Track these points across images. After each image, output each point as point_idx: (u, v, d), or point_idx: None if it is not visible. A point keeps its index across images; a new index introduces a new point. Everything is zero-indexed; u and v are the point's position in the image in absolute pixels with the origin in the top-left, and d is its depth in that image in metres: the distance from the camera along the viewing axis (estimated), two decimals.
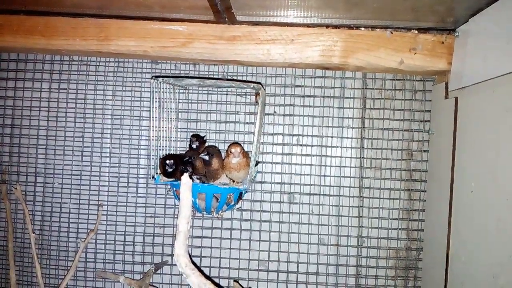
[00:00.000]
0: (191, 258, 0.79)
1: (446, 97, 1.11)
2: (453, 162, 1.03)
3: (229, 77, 1.27)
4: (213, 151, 1.09)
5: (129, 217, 1.31)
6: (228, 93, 1.28)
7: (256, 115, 1.09)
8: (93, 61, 1.30)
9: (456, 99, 1.03)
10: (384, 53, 1.10)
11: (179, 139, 1.28)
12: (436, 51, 1.10)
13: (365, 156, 1.28)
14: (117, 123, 1.31)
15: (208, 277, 0.78)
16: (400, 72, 1.18)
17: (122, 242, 1.31)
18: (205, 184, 1.04)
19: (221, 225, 1.29)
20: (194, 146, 1.14)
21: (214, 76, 1.27)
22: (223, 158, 1.09)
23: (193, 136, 1.18)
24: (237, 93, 1.28)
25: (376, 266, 1.27)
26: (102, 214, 1.29)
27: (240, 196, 1.15)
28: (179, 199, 1.10)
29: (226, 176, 1.09)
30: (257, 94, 1.27)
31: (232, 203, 1.12)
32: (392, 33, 1.10)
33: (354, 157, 1.28)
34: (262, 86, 1.09)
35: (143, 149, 1.30)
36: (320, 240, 1.28)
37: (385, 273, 1.27)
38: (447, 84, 1.11)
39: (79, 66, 1.31)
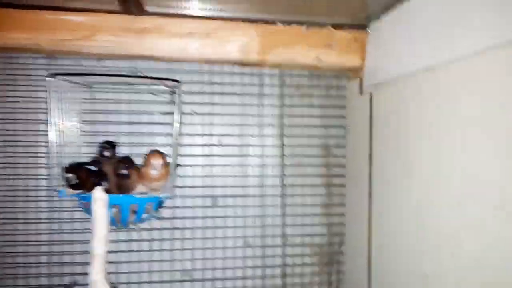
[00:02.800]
0: (111, 284, 0.71)
1: (360, 93, 1.15)
2: (370, 157, 1.07)
3: (140, 74, 1.18)
4: (129, 165, 1.00)
5: (30, 235, 1.16)
6: (140, 91, 1.20)
7: (174, 115, 1.03)
8: None
9: (371, 94, 1.08)
10: (301, 49, 1.11)
11: (84, 144, 1.16)
12: (350, 48, 1.13)
13: (285, 154, 1.28)
14: (9, 128, 1.15)
15: None
16: (317, 69, 1.19)
17: (23, 264, 1.16)
18: (120, 195, 0.94)
19: (139, 237, 1.20)
20: (106, 154, 1.04)
21: (122, 73, 1.17)
22: (140, 166, 1.01)
23: (105, 142, 1.07)
24: (151, 92, 1.20)
25: (302, 264, 1.28)
26: None
27: (160, 205, 1.08)
28: (88, 212, 1.01)
29: (143, 186, 1.01)
30: (173, 92, 1.21)
31: (152, 213, 1.04)
32: (307, 28, 1.11)
33: (275, 155, 1.28)
34: (179, 83, 1.03)
35: (41, 157, 1.16)
36: (245, 242, 1.26)
37: (311, 270, 1.29)
38: (361, 80, 1.15)
39: None
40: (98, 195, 0.71)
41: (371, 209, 1.07)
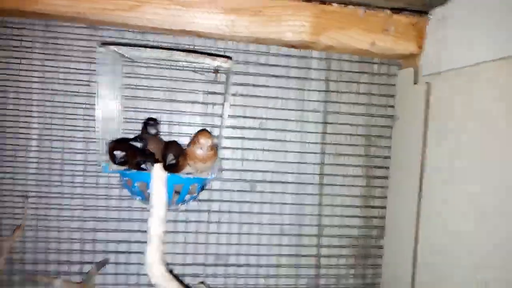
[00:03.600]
0: (167, 266, 0.68)
1: (415, 82, 1.10)
2: (424, 150, 1.03)
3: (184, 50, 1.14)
4: (177, 151, 0.97)
5: (64, 211, 1.14)
6: (183, 68, 1.16)
7: (224, 95, 0.99)
8: (17, 23, 1.09)
9: (429, 84, 1.03)
10: (356, 33, 1.06)
11: (124, 120, 1.13)
12: (408, 34, 1.08)
13: (327, 142, 1.24)
14: (47, 99, 1.12)
15: (188, 287, 0.68)
16: (370, 54, 1.15)
17: (55, 239, 1.14)
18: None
19: (176, 218, 1.18)
20: (153, 131, 1.01)
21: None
22: (187, 147, 0.97)
23: (151, 119, 1.04)
24: (195, 69, 1.16)
25: (337, 255, 1.26)
26: (30, 207, 1.11)
27: (203, 187, 1.05)
28: (131, 191, 0.98)
29: (189, 166, 0.98)
30: (216, 71, 1.17)
31: (195, 194, 1.01)
32: (365, 11, 1.06)
33: (316, 142, 1.24)
34: (231, 60, 0.98)
35: (79, 130, 1.13)
36: (281, 230, 1.23)
37: (346, 262, 1.26)
38: (416, 68, 1.10)
39: None
40: (158, 172, 0.68)
41: (420, 204, 1.03)
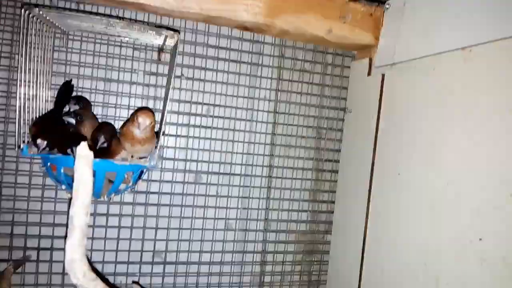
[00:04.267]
0: (90, 263, 0.58)
1: (369, 74, 1.08)
2: (375, 143, 1.01)
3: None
4: (110, 134, 0.86)
5: None
6: (122, 45, 1.05)
7: (167, 75, 0.90)
8: None
9: (383, 76, 1.01)
10: (314, 18, 1.01)
11: (51, 100, 0.99)
12: (364, 23, 1.05)
13: (276, 132, 1.19)
14: None
15: (114, 286, 0.59)
16: (325, 42, 1.10)
17: None
18: (96, 160, 0.80)
19: (107, 211, 1.07)
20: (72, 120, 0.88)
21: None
22: (126, 126, 0.86)
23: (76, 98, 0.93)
24: (135, 46, 1.05)
25: (283, 251, 1.21)
26: None
27: (140, 176, 0.95)
28: (55, 178, 0.86)
29: (124, 149, 0.87)
30: (160, 50, 1.07)
31: (130, 184, 0.91)
32: None
33: (265, 132, 1.18)
34: (179, 33, 0.89)
35: None
36: (227, 225, 1.16)
37: (292, 258, 1.23)
38: (371, 60, 1.08)
39: None
40: (83, 152, 0.58)
41: (370, 198, 1.01)
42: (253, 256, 1.20)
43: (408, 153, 0.89)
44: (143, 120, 0.80)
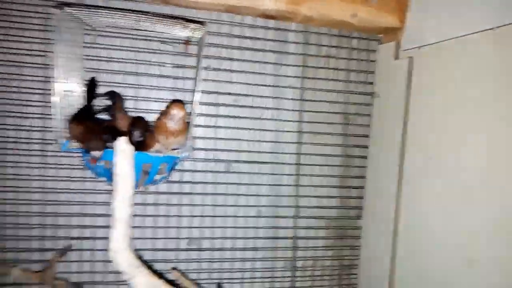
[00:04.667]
0: (135, 252, 0.62)
1: (396, 57, 1.08)
2: (405, 127, 1.01)
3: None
4: (144, 128, 0.90)
5: (21, 193, 1.06)
6: (148, 38, 1.08)
7: (197, 68, 0.92)
8: None
9: (411, 59, 1.00)
10: (337, 3, 1.02)
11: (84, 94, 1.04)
12: (390, 6, 1.05)
13: (304, 120, 1.21)
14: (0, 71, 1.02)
15: (160, 275, 0.63)
16: (350, 27, 1.10)
17: (13, 225, 1.06)
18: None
19: (144, 201, 1.12)
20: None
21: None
22: (160, 119, 0.90)
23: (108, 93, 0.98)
24: (162, 40, 1.08)
25: (314, 237, 1.23)
26: None
27: (173, 166, 0.99)
28: (95, 171, 0.91)
29: (158, 141, 0.91)
30: (187, 42, 1.10)
31: (165, 174, 0.95)
32: None
33: (293, 120, 1.20)
34: (204, 26, 0.91)
35: (36, 106, 1.04)
36: (258, 212, 1.19)
37: (323, 243, 1.24)
38: (398, 43, 1.07)
39: None
40: (123, 146, 0.61)
41: (401, 183, 1.01)
42: (285, 242, 1.22)
43: (439, 137, 0.89)
44: (177, 112, 0.84)
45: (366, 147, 1.22)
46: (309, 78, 1.19)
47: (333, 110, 1.21)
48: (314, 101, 1.20)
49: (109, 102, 1.01)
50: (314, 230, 1.24)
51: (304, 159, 1.21)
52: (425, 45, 0.95)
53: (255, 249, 1.20)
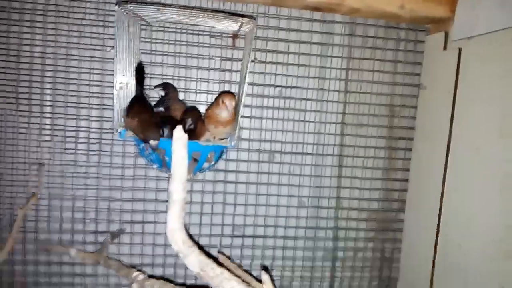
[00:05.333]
0: (188, 232, 0.68)
1: (445, 48, 1.07)
2: (452, 119, 1.01)
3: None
4: (196, 117, 0.95)
5: (78, 179, 1.15)
6: (200, 33, 1.13)
7: (243, 60, 0.96)
8: None
9: (460, 50, 1.00)
10: None
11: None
12: None
13: (348, 112, 1.22)
14: (61, 64, 1.11)
15: (209, 255, 0.68)
16: (398, 18, 1.11)
17: (70, 208, 1.15)
18: None
19: (191, 187, 1.18)
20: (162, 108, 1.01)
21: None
22: (210, 109, 0.95)
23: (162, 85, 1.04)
24: (211, 34, 1.13)
25: (356, 228, 1.25)
26: (45, 176, 1.12)
27: (220, 155, 1.04)
28: (148, 158, 0.98)
29: (208, 130, 0.96)
30: (235, 36, 1.14)
31: (212, 162, 1.01)
32: None
33: (337, 112, 1.22)
34: (254, 20, 0.95)
35: (94, 97, 1.12)
36: (300, 202, 1.23)
37: (364, 235, 1.26)
38: (447, 33, 1.07)
39: None
40: (179, 135, 0.66)
41: (446, 176, 1.01)
42: (325, 232, 1.25)
43: (487, 128, 0.88)
44: (229, 102, 0.89)
45: (411, 139, 1.22)
46: (354, 69, 1.20)
47: (379, 102, 1.22)
48: (359, 92, 1.21)
49: (162, 93, 1.08)
50: (355, 221, 1.25)
51: (348, 151, 1.23)
52: (474, 36, 0.94)
53: (296, 238, 1.24)
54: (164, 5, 1.05)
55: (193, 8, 0.98)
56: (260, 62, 1.16)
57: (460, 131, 0.98)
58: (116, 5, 0.87)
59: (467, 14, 0.98)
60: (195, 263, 0.69)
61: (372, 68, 1.20)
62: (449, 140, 1.01)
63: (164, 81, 1.12)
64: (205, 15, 0.91)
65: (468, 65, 0.97)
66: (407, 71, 1.21)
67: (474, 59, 0.95)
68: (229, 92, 0.97)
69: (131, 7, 0.90)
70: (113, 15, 0.96)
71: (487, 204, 0.87)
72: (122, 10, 0.89)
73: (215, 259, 0.71)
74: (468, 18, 0.97)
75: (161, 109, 1.01)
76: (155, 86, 1.09)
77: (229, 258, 0.99)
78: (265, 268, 1.20)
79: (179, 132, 0.67)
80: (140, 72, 1.04)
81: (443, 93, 1.04)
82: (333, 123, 1.22)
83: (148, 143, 0.84)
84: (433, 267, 1.04)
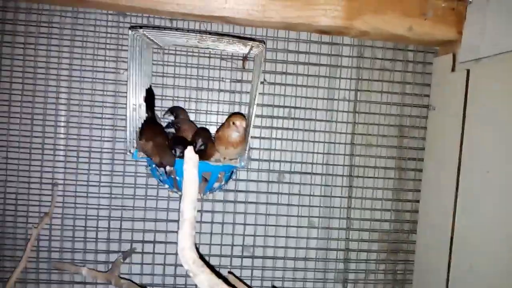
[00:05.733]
0: (198, 252, 0.69)
1: (453, 70, 1.08)
2: (462, 140, 1.01)
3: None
4: (206, 138, 0.98)
5: (90, 199, 1.17)
6: (211, 56, 1.17)
7: (252, 82, 0.99)
8: (46, 10, 1.12)
9: (468, 71, 1.01)
10: (393, 17, 1.05)
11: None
12: (446, 18, 1.06)
13: (357, 132, 1.23)
14: (75, 86, 1.14)
15: (219, 275, 0.69)
16: (406, 40, 1.13)
17: (83, 228, 1.17)
18: None
19: (201, 207, 1.19)
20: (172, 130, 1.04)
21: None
22: (220, 131, 0.98)
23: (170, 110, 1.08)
24: (222, 57, 1.16)
25: (367, 250, 1.25)
26: (58, 195, 1.14)
27: (231, 175, 1.06)
28: (159, 178, 1.00)
29: (218, 151, 0.99)
30: (244, 59, 1.17)
31: (222, 182, 1.02)
32: None
33: (346, 132, 1.23)
34: (264, 44, 0.98)
35: (107, 118, 1.16)
36: (310, 223, 1.23)
37: (375, 256, 1.26)
38: (454, 55, 1.08)
39: (28, 15, 1.11)
40: (190, 155, 0.68)
41: (457, 197, 1.01)
42: (337, 253, 1.25)
43: (497, 151, 0.89)
44: (240, 123, 0.91)
45: (421, 160, 1.22)
46: (363, 90, 1.22)
47: (388, 122, 1.24)
48: (368, 113, 1.22)
49: (172, 118, 1.11)
50: (367, 243, 1.25)
51: (358, 171, 1.24)
52: (482, 58, 0.95)
53: (306, 259, 1.23)
54: (176, 29, 1.09)
55: (204, 32, 1.02)
56: (270, 83, 1.19)
57: (470, 152, 0.98)
58: (129, 29, 0.90)
59: (474, 36, 1.00)
60: (204, 283, 0.69)
61: (381, 89, 1.22)
62: (459, 161, 1.01)
63: (176, 102, 1.15)
64: (216, 39, 0.94)
65: (476, 86, 0.98)
66: (416, 92, 1.23)
67: (482, 80, 0.96)
68: (239, 114, 0.99)
69: (144, 32, 0.93)
70: (126, 39, 1.01)
71: (498, 226, 0.86)
72: (135, 35, 0.93)
73: (225, 280, 0.72)
74: (475, 40, 0.99)
75: (172, 130, 1.03)
76: (164, 114, 1.12)
77: (239, 278, 1.00)
78: None
79: (190, 153, 0.69)
80: (150, 96, 1.07)
81: (452, 114, 1.05)
82: (343, 143, 1.23)
83: (164, 168, 0.87)
84: None
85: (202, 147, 0.93)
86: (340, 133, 1.23)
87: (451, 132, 1.05)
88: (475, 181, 0.96)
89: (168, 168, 0.87)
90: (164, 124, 1.09)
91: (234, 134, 0.93)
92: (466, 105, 1.01)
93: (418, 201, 1.22)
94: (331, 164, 1.23)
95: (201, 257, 0.71)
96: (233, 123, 0.91)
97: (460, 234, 1.00)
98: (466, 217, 0.98)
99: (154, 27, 1.07)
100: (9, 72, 1.12)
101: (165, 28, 1.12)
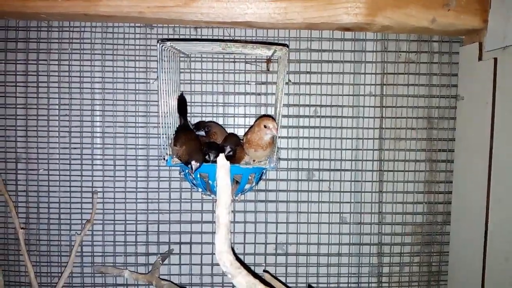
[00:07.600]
0: (234, 253, 0.73)
1: (480, 59, 1.08)
2: (492, 129, 1.01)
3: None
4: (235, 143, 1.02)
5: (128, 204, 1.24)
6: (235, 60, 1.21)
7: (277, 84, 1.02)
8: (77, 27, 1.19)
9: (495, 59, 1.01)
10: (415, 10, 1.05)
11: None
12: (470, 7, 1.06)
13: (385, 126, 1.25)
14: (109, 97, 1.21)
15: (255, 275, 0.73)
16: (429, 32, 1.13)
17: (123, 232, 1.24)
18: None
19: (234, 208, 1.24)
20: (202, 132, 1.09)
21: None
22: (250, 134, 1.02)
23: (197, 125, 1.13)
24: (246, 61, 1.20)
25: (400, 243, 1.26)
26: (98, 202, 1.21)
27: (261, 176, 1.10)
28: (192, 182, 1.05)
29: (247, 154, 1.03)
30: (268, 61, 1.20)
31: (253, 184, 1.06)
32: None
33: (373, 127, 1.25)
34: (288, 48, 1.01)
35: (140, 127, 1.22)
36: (342, 219, 1.26)
37: (409, 249, 1.27)
38: (481, 44, 1.08)
39: (60, 33, 1.19)
40: (222, 162, 0.73)
41: (490, 186, 1.02)
42: (370, 248, 1.27)
43: None
44: (273, 125, 0.94)
45: (452, 151, 1.22)
46: (389, 84, 1.23)
47: (416, 115, 1.24)
48: (395, 107, 1.23)
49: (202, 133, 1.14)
50: (400, 236, 1.27)
51: (388, 165, 1.25)
52: (509, 45, 0.95)
53: (339, 254, 1.26)
54: (201, 39, 1.13)
55: (228, 40, 1.06)
56: (294, 83, 1.22)
57: (501, 141, 0.98)
58: (157, 42, 0.95)
59: (499, 24, 1.00)
60: (243, 283, 0.73)
61: (407, 82, 1.23)
62: (490, 150, 1.01)
63: (204, 108, 1.21)
64: (240, 45, 0.98)
65: (504, 74, 0.98)
66: (443, 83, 1.23)
67: (510, 68, 0.96)
68: (267, 116, 1.03)
69: (171, 44, 0.98)
70: (155, 49, 1.06)
71: None
72: (163, 47, 0.98)
73: (261, 279, 0.76)
74: (501, 28, 0.99)
75: (202, 132, 1.08)
76: (197, 131, 1.13)
77: (274, 276, 1.04)
78: (310, 287, 1.23)
79: (222, 160, 0.73)
80: (182, 103, 1.12)
81: (482, 103, 1.05)
82: (371, 138, 1.25)
83: (190, 163, 0.91)
84: (483, 280, 1.03)
85: (231, 153, 0.98)
86: (368, 128, 1.24)
87: (481, 121, 1.05)
88: (507, 170, 0.96)
89: (194, 163, 0.90)
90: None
91: (266, 137, 0.96)
92: (495, 94, 1.01)
93: (450, 193, 1.23)
94: (360, 160, 1.25)
95: (237, 257, 0.75)
96: (265, 126, 0.94)
97: (495, 224, 1.00)
98: (500, 207, 0.99)
99: (181, 39, 1.12)
100: (46, 89, 1.20)
101: (190, 37, 1.16)
